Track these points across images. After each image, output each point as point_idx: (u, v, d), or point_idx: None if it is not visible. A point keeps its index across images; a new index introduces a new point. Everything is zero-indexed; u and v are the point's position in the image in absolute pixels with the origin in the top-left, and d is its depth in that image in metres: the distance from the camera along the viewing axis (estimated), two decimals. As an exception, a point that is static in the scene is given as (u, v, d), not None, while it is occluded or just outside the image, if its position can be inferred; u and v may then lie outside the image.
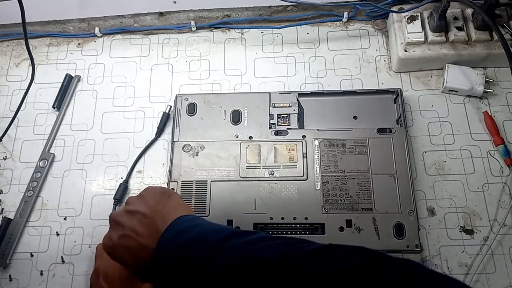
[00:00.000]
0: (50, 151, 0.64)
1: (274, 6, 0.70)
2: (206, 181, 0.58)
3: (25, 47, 0.61)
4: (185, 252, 0.37)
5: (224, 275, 0.35)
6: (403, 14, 0.63)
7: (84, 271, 0.57)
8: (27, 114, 0.67)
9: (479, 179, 0.58)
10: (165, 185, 0.60)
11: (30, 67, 0.64)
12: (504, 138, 0.59)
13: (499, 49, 0.57)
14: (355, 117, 0.61)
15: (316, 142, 0.59)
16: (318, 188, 0.56)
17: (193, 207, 0.57)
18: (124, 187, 0.61)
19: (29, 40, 0.61)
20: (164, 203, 0.42)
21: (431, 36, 0.61)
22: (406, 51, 0.62)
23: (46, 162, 0.63)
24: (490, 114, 0.60)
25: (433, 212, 0.57)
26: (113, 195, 0.60)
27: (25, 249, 0.59)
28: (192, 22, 0.70)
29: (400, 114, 0.59)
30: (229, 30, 0.71)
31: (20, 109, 0.64)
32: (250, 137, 0.60)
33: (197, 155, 0.60)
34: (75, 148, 0.64)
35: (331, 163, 0.58)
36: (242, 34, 0.70)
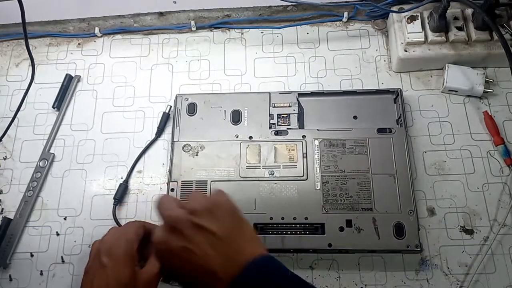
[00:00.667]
0: (50, 151, 0.64)
1: (274, 6, 0.70)
2: (206, 181, 0.58)
3: (25, 47, 0.61)
4: None
5: None
6: (403, 14, 0.63)
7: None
8: (27, 114, 0.67)
9: (479, 179, 0.58)
10: (164, 185, 0.60)
11: (30, 67, 0.64)
12: (504, 138, 0.59)
13: (499, 49, 0.57)
14: (355, 117, 0.61)
15: (316, 142, 0.59)
16: (318, 188, 0.56)
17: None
18: (124, 187, 0.61)
19: (29, 40, 0.61)
20: (239, 230, 0.40)
21: (431, 36, 0.61)
22: (406, 51, 0.62)
23: (46, 162, 0.63)
24: (490, 114, 0.60)
25: (433, 212, 0.57)
26: (113, 195, 0.60)
27: (25, 249, 0.59)
28: (192, 22, 0.70)
29: (400, 114, 0.59)
30: (229, 30, 0.71)
31: (20, 109, 0.63)
32: (250, 137, 0.60)
33: (197, 155, 0.60)
34: (75, 148, 0.64)
35: (331, 163, 0.58)
36: (242, 34, 0.70)
